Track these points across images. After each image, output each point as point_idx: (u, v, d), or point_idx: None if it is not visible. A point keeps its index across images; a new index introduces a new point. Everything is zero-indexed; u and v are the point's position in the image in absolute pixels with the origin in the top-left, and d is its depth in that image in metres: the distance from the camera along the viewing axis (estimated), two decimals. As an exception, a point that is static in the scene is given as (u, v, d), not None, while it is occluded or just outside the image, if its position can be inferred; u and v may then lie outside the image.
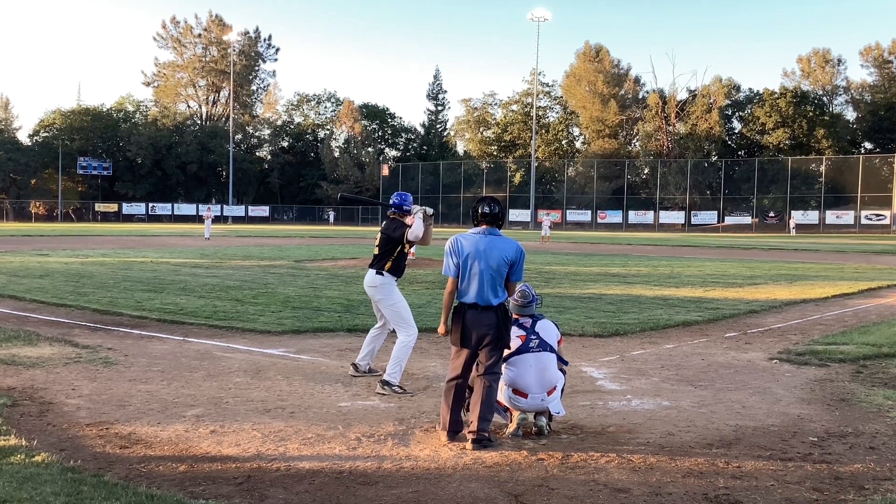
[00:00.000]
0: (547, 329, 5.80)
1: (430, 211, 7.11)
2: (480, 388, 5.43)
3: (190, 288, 14.83)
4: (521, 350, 5.65)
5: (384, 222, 7.43)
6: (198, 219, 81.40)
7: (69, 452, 5.03)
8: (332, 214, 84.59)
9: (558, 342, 5.86)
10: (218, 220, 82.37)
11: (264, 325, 10.44)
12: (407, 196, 7.48)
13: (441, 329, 5.79)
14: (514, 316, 5.80)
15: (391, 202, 7.39)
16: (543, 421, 5.65)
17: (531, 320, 5.81)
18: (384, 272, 7.19)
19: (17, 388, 6.77)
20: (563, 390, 5.86)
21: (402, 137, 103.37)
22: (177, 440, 5.40)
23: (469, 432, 5.35)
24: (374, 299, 7.38)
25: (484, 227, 5.56)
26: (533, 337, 5.69)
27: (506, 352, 5.65)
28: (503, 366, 5.67)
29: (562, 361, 5.85)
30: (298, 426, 5.78)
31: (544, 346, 5.68)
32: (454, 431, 5.46)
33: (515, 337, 5.69)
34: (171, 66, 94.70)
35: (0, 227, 56.06)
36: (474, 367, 5.54)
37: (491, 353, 5.44)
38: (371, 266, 7.31)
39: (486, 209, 5.59)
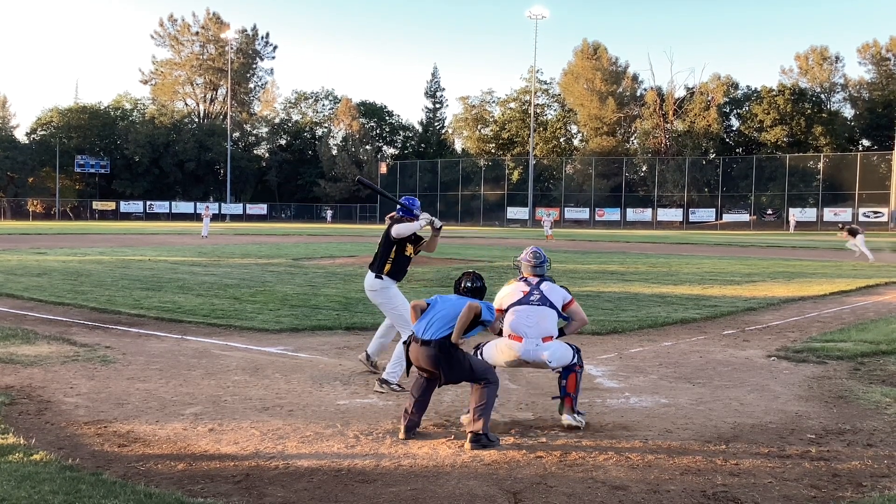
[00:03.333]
0: (552, 290, 5.95)
1: (437, 223, 7.10)
2: (476, 390, 5.45)
3: (188, 286, 14.81)
4: (522, 301, 5.87)
5: (390, 222, 7.38)
6: (196, 217, 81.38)
7: (67, 451, 5.02)
8: (329, 213, 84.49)
9: (566, 305, 5.96)
10: (216, 218, 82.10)
11: (262, 324, 10.43)
12: (415, 200, 7.43)
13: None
14: (525, 275, 6.07)
15: (401, 201, 7.35)
16: (571, 419, 5.71)
17: (538, 280, 6.02)
18: (383, 276, 7.16)
19: (16, 386, 6.76)
20: (576, 359, 5.82)
21: (400, 135, 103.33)
22: (175, 438, 5.40)
23: (469, 432, 5.34)
24: (374, 302, 7.36)
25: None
26: (535, 292, 5.91)
27: (509, 302, 5.90)
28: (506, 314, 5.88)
29: (563, 318, 5.94)
30: (297, 424, 5.78)
31: (544, 302, 5.85)
32: (409, 428, 5.50)
33: (519, 291, 5.94)
34: (168, 64, 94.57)
35: (-2, 225, 55.96)
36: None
37: (454, 380, 5.55)
38: (370, 268, 7.29)
39: (468, 284, 5.87)
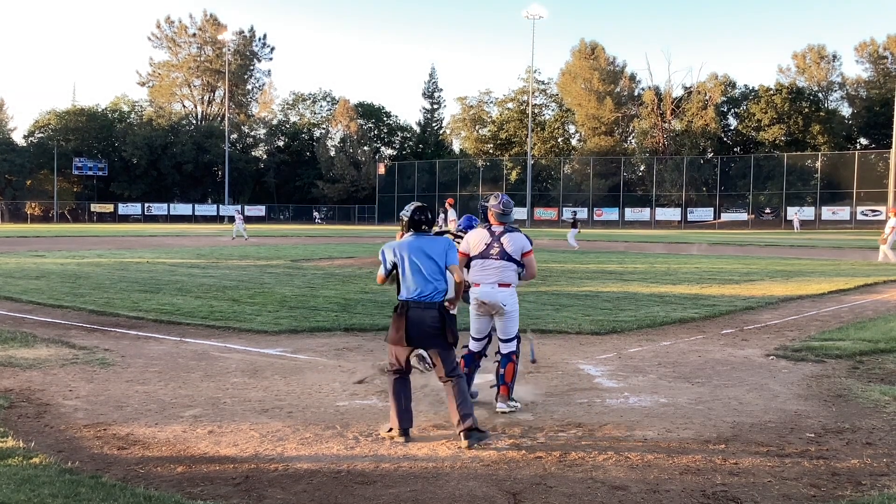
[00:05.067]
0: (514, 240, 6.24)
1: None
2: (451, 390, 5.47)
3: (186, 288, 14.80)
4: (482, 255, 6.25)
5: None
6: (194, 219, 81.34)
7: (67, 454, 5.02)
8: (317, 215, 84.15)
9: (525, 253, 6.27)
10: (214, 219, 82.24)
11: (261, 325, 10.43)
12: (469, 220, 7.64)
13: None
14: (491, 221, 6.32)
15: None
16: (505, 407, 6.13)
17: (501, 229, 6.29)
18: None
19: (15, 389, 6.76)
20: (516, 344, 6.33)
21: (397, 136, 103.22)
22: (174, 441, 5.39)
23: (461, 431, 5.34)
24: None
25: (413, 232, 5.69)
26: (495, 244, 6.23)
27: (474, 253, 6.28)
28: (471, 266, 6.29)
29: (519, 265, 6.25)
30: (296, 426, 5.78)
31: (503, 255, 6.22)
32: (406, 432, 5.48)
33: (483, 242, 6.26)
34: (165, 65, 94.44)
35: (-5, 228, 55.91)
36: (437, 372, 5.62)
37: (443, 354, 5.51)
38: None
39: (423, 217, 5.69)
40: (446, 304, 5.60)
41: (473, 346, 6.46)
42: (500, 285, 6.18)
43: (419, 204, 5.85)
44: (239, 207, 60.35)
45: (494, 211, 6.28)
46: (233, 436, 5.52)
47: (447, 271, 5.60)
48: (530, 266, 6.33)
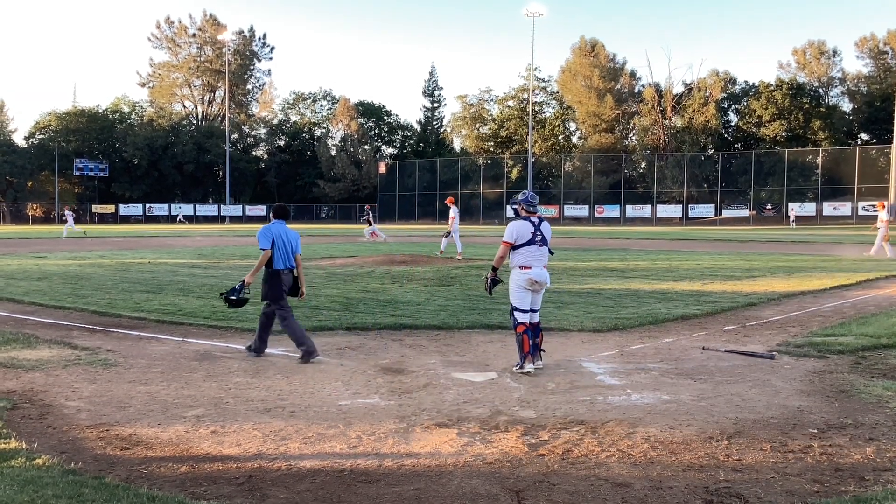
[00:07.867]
0: (546, 228, 7.77)
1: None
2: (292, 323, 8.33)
3: (188, 288, 14.81)
4: (530, 242, 7.60)
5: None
6: (195, 219, 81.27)
7: (70, 455, 5.03)
8: (180, 217, 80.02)
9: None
10: (215, 219, 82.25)
11: (263, 325, 10.40)
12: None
13: (249, 279, 8.80)
14: (525, 213, 7.70)
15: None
16: (541, 364, 7.68)
17: (538, 220, 7.70)
18: None
19: (17, 391, 6.77)
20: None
21: (398, 135, 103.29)
22: (177, 441, 5.40)
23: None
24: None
25: (278, 220, 8.66)
26: (538, 233, 7.63)
27: (522, 241, 7.59)
28: (516, 251, 7.68)
29: (549, 252, 7.83)
30: (299, 425, 5.79)
31: (544, 242, 7.70)
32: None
33: (528, 232, 7.60)
34: (165, 66, 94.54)
35: (-3, 229, 55.91)
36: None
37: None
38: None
39: (282, 210, 8.94)
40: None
41: (528, 318, 7.65)
42: (544, 267, 7.67)
43: (281, 203, 9.01)
44: (73, 206, 58.29)
45: (524, 205, 7.70)
46: (236, 435, 5.52)
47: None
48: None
